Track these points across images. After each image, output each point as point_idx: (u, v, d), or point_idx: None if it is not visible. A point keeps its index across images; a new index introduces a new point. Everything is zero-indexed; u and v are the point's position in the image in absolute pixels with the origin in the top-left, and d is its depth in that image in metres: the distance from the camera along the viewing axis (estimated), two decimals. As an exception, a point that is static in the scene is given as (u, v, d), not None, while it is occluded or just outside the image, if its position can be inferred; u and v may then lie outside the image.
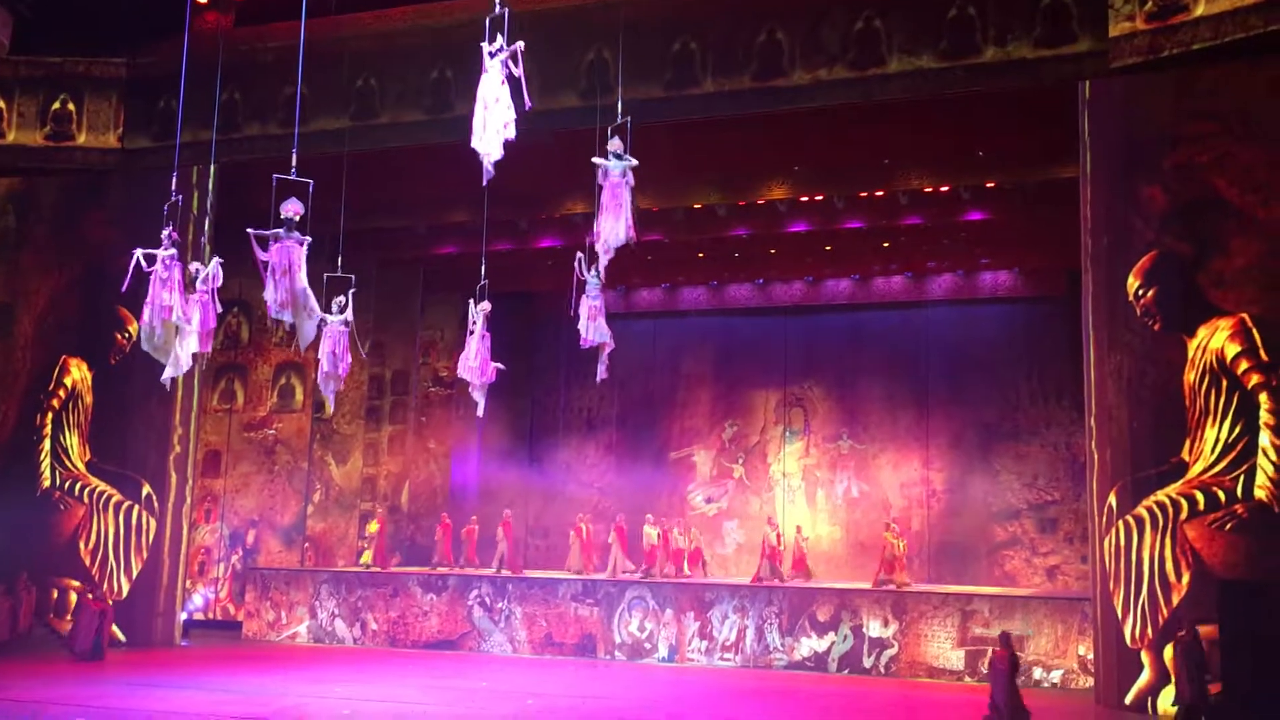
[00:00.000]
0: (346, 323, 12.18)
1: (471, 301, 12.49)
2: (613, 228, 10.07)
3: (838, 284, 22.52)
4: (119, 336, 17.95)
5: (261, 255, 10.56)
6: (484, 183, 9.31)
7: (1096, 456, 14.29)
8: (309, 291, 10.66)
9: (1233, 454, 13.22)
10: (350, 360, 12.26)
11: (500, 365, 12.40)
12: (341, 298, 12.22)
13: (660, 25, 15.79)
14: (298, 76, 13.82)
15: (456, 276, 23.13)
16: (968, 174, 17.22)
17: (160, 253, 11.28)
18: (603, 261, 10.55)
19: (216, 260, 11.78)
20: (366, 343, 21.36)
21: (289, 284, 10.54)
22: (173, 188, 12.19)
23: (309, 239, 10.74)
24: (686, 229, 19.80)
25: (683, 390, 23.81)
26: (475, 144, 9.28)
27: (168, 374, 11.43)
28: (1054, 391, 20.75)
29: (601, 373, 11.13)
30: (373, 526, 20.28)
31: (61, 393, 18.31)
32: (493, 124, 9.20)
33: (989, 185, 17.55)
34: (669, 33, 15.85)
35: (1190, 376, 13.53)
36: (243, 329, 20.94)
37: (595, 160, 10.39)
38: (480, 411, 12.40)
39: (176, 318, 11.15)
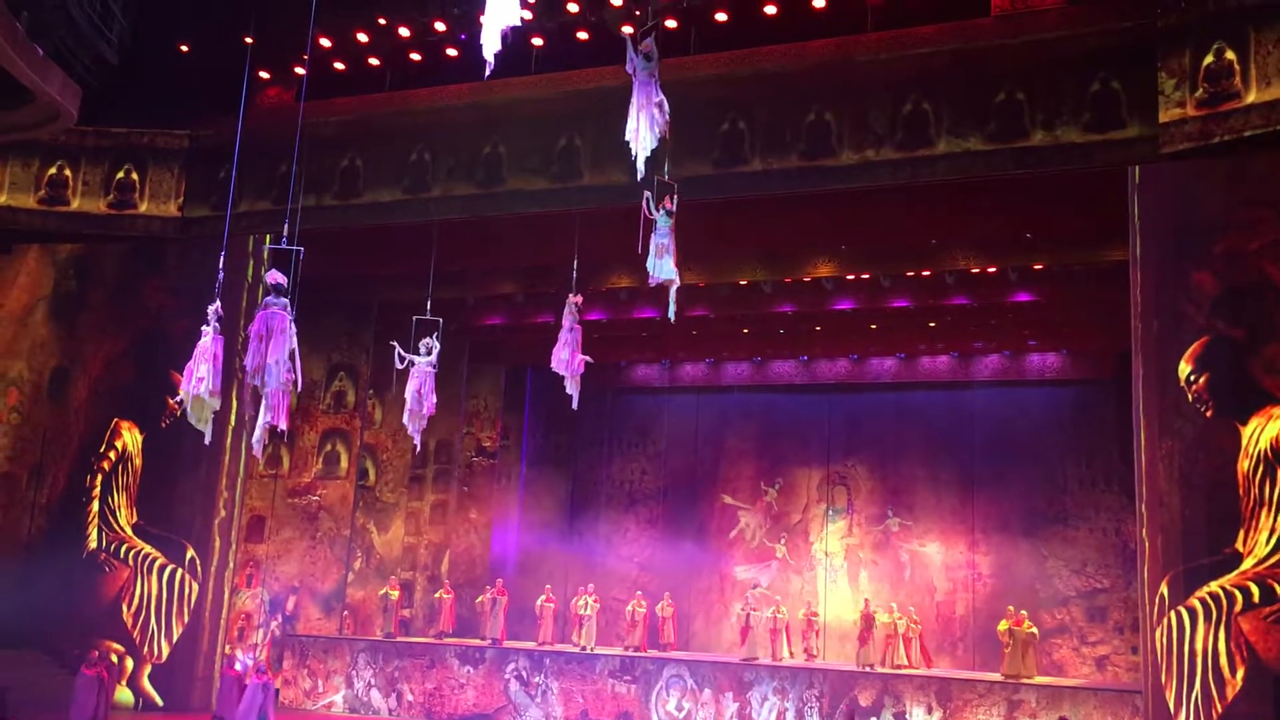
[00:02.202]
0: (433, 365, 12.61)
1: (570, 296, 12.67)
2: (645, 130, 10.08)
3: (883, 362, 22.43)
4: (170, 401, 18.20)
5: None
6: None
7: (1148, 544, 14.00)
8: (287, 362, 10.85)
9: (1289, 545, 12.92)
10: (435, 400, 12.68)
11: (588, 358, 12.41)
12: (429, 340, 12.64)
13: (710, 104, 16.00)
14: (293, 152, 14.01)
15: (501, 348, 23.39)
16: (1016, 255, 17.17)
17: (206, 328, 11.44)
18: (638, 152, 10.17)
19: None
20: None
21: (264, 350, 10.83)
22: (220, 265, 12.33)
23: (290, 313, 10.99)
24: (732, 305, 19.88)
25: (725, 465, 23.70)
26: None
27: (205, 429, 11.54)
28: (1103, 476, 20.42)
29: (671, 314, 10.98)
30: (393, 593, 20.20)
31: (112, 455, 18.58)
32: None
33: (1037, 267, 17.50)
34: (718, 111, 16.05)
35: (1244, 465, 13.27)
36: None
37: (628, 60, 10.33)
38: (574, 404, 12.53)
39: (205, 390, 11.27)
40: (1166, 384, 13.83)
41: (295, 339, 11.12)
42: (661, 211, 11.17)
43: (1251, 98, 13.37)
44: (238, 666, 18.66)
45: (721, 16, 15.94)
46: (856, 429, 22.75)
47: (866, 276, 18.46)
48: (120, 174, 18.87)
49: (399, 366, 12.44)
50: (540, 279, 19.37)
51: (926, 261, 17.67)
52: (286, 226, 12.03)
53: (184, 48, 17.79)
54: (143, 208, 18.89)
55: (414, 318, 13.13)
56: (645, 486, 24.33)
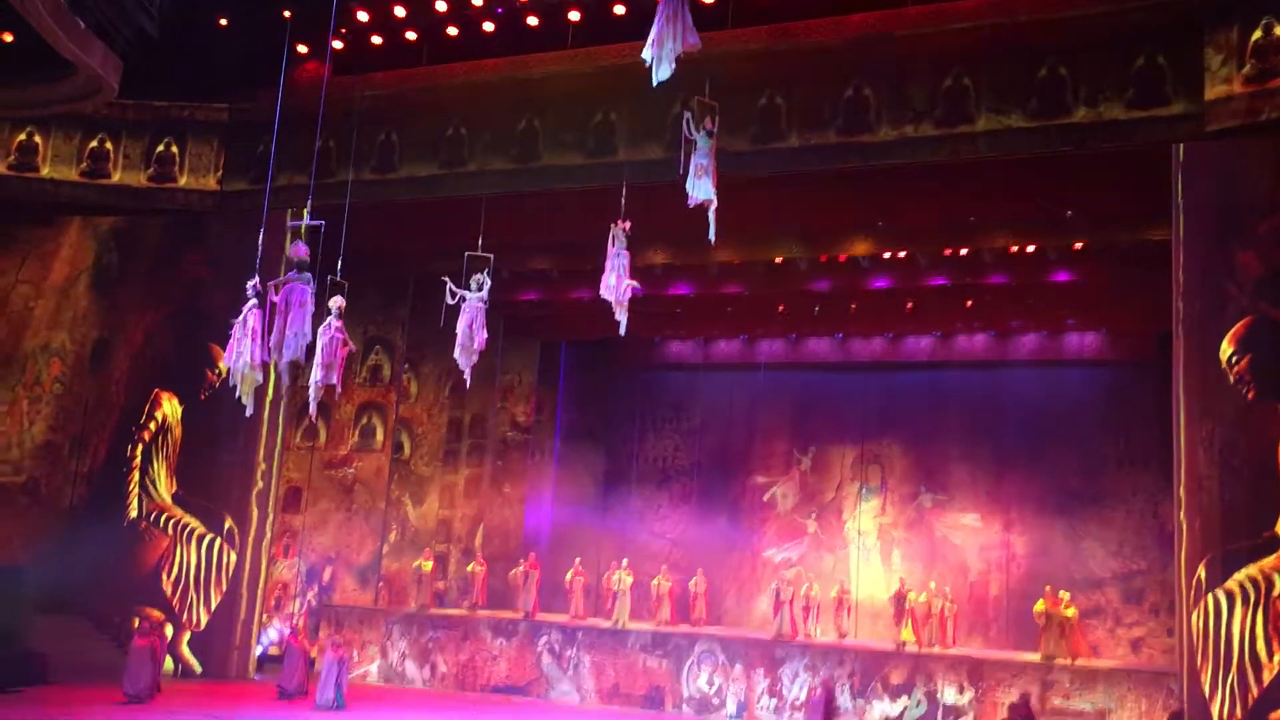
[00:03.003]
0: (484, 300, 12.66)
1: (614, 223, 12.49)
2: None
3: (918, 341, 22.30)
4: (210, 373, 18.42)
5: (272, 296, 11.26)
6: None
7: (1185, 526, 13.86)
8: (306, 333, 11.15)
9: (1330, 530, 12.76)
10: (486, 336, 12.69)
11: (636, 284, 12.26)
12: (479, 275, 12.70)
13: (747, 80, 15.86)
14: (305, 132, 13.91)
15: (536, 323, 23.43)
16: (1055, 234, 16.99)
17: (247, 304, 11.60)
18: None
19: (340, 298, 12.12)
20: (447, 385, 21.66)
21: (282, 325, 11.06)
22: (259, 240, 12.49)
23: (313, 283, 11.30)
24: (767, 282, 19.82)
25: (759, 442, 23.67)
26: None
27: (248, 403, 11.72)
28: (1140, 457, 20.20)
29: (711, 235, 10.97)
30: (426, 565, 20.35)
31: (152, 425, 18.83)
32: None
33: (1077, 246, 17.30)
34: (756, 87, 15.92)
35: (1286, 447, 13.11)
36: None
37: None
38: (622, 330, 12.25)
39: (245, 364, 11.40)
40: (1207, 365, 13.65)
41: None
42: (702, 132, 11.10)
43: (1300, 74, 13.13)
44: (271, 634, 18.91)
45: (760, -10, 15.77)
46: (891, 408, 22.64)
47: (903, 255, 18.32)
48: (160, 147, 19.05)
49: (450, 302, 12.45)
50: (576, 255, 19.34)
51: (964, 240, 17.52)
52: (310, 201, 12.18)
53: (223, 21, 17.84)
54: (182, 181, 19.06)
55: (465, 253, 13.14)
56: (678, 463, 24.35)
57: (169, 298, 19.14)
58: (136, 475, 18.77)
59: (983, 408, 21.74)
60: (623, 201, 12.85)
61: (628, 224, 12.47)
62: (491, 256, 13.11)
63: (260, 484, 18.46)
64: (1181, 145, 14.07)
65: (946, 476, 21.91)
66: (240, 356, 11.48)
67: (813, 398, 23.37)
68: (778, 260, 19.11)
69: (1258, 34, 13.39)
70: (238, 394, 11.68)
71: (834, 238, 18.24)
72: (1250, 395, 13.37)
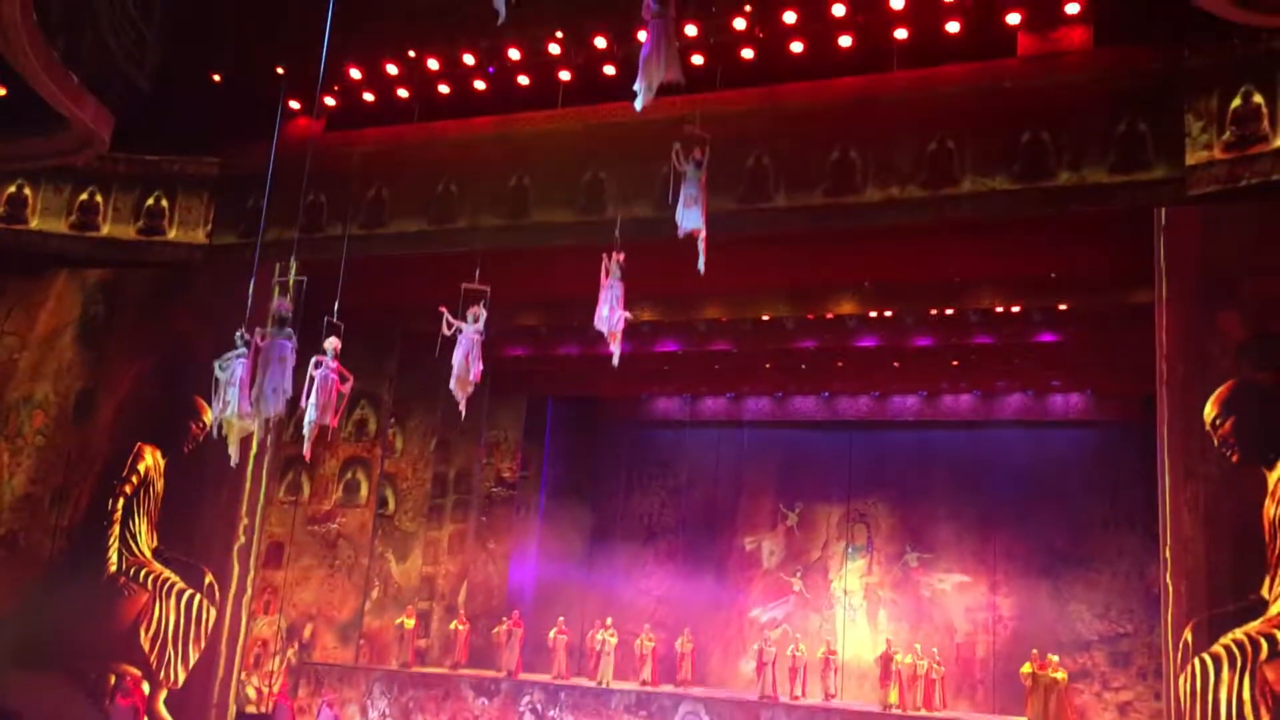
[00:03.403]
0: (480, 332, 12.70)
1: (605, 255, 12.40)
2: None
3: (904, 400, 22.36)
4: (194, 426, 18.30)
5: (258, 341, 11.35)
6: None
7: (1171, 589, 13.81)
8: (286, 389, 11.20)
9: (1315, 594, 12.74)
10: (482, 368, 12.72)
11: (629, 314, 12.18)
12: (476, 308, 12.76)
13: (735, 140, 15.97)
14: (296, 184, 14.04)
15: (523, 379, 23.43)
16: (1040, 295, 17.12)
17: (233, 355, 11.59)
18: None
19: (335, 339, 12.20)
20: (432, 441, 21.57)
21: (262, 380, 11.11)
22: (249, 292, 12.58)
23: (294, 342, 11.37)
24: (754, 340, 19.89)
25: (745, 500, 23.62)
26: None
27: (234, 453, 11.69)
28: (1127, 519, 20.22)
29: (701, 265, 11.01)
30: (409, 622, 20.14)
31: (134, 479, 18.67)
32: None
33: (1062, 307, 17.43)
34: (744, 148, 16.06)
35: (1270, 510, 13.11)
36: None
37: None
38: (615, 361, 12.20)
39: (231, 413, 11.43)
40: (1191, 427, 13.70)
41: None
42: (691, 163, 11.26)
43: (1279, 141, 13.33)
44: (250, 692, 18.62)
45: (748, 53, 16.00)
46: (877, 467, 22.65)
47: (890, 314, 18.43)
48: (150, 200, 19.10)
49: (446, 333, 12.54)
50: (564, 311, 19.43)
51: (950, 300, 17.63)
52: (294, 257, 12.30)
53: (216, 76, 17.99)
54: (171, 234, 19.10)
55: (462, 285, 13.33)
56: (664, 520, 24.26)
57: (155, 350, 19.06)
58: (117, 529, 18.57)
59: (969, 467, 21.77)
60: (616, 233, 12.82)
61: (622, 255, 12.51)
62: (488, 289, 13.21)
63: (242, 539, 18.27)
64: (1163, 209, 14.22)
65: (933, 536, 21.87)
66: (227, 406, 11.44)
67: (799, 456, 23.38)
68: (765, 318, 19.19)
69: (1237, 101, 13.62)
70: (228, 443, 11.59)
71: (821, 297, 18.34)
72: (1234, 458, 13.41)
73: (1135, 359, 16.32)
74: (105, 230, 19.06)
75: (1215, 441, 13.53)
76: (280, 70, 17.38)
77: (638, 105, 9.95)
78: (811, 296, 18.40)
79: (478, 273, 13.84)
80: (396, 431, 21.49)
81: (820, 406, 23.11)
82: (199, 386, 17.45)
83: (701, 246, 11.13)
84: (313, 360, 11.89)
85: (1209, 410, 13.58)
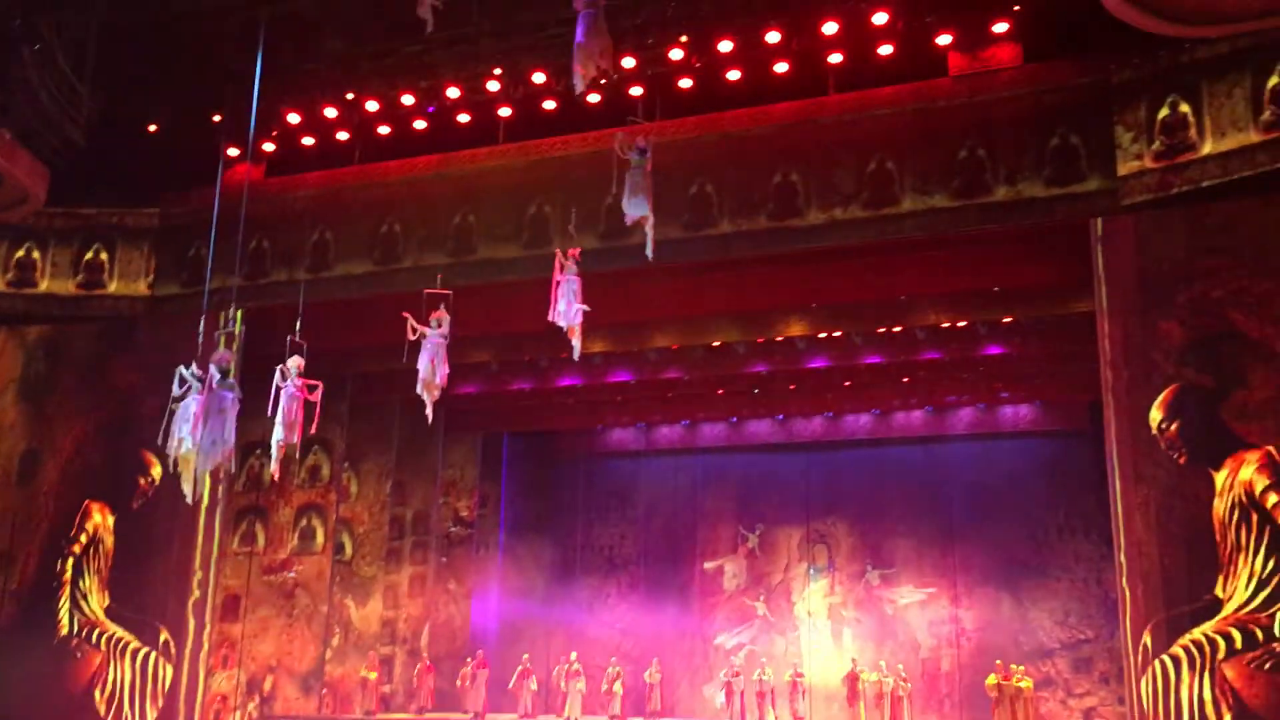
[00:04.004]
0: (445, 336, 12.82)
1: (558, 251, 12.50)
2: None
3: (858, 419, 22.52)
4: (142, 480, 17.99)
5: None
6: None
7: (1128, 593, 13.98)
8: (227, 441, 11.16)
9: (1268, 590, 12.92)
10: (448, 370, 12.86)
11: (586, 307, 12.15)
12: (439, 312, 12.91)
13: (678, 168, 16.08)
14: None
15: (477, 416, 23.31)
16: (984, 309, 17.33)
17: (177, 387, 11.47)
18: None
19: (298, 358, 12.36)
20: (387, 483, 21.37)
21: (204, 433, 11.06)
22: (198, 335, 12.51)
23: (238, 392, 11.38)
24: (706, 366, 19.94)
25: (705, 527, 23.63)
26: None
27: (188, 490, 11.55)
28: (1081, 526, 20.49)
29: (649, 252, 11.28)
30: (371, 675, 19.88)
31: (83, 538, 18.28)
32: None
33: (1006, 320, 17.67)
34: (687, 175, 16.17)
35: (1220, 510, 13.33)
36: (264, 471, 20.98)
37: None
38: (575, 355, 12.33)
39: (186, 450, 11.28)
40: (1138, 432, 13.91)
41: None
42: (634, 152, 11.55)
43: (1207, 149, 13.66)
44: None
45: (686, 83, 16.13)
46: (835, 486, 22.77)
47: (838, 334, 18.57)
48: (89, 254, 18.81)
49: (411, 338, 12.68)
50: (515, 346, 19.37)
51: (897, 317, 17.80)
52: (234, 306, 12.27)
53: (152, 127, 17.81)
54: (112, 287, 18.81)
55: (424, 290, 13.51)
56: (625, 551, 24.19)
57: (99, 406, 18.72)
58: (67, 590, 18.16)
59: (925, 482, 21.96)
60: (571, 228, 12.82)
61: (578, 251, 12.55)
62: (450, 293, 13.25)
63: (197, 593, 17.93)
64: (1099, 220, 14.51)
65: (892, 553, 22.00)
66: (181, 443, 11.28)
67: (756, 480, 23.45)
68: (716, 344, 19.26)
69: (1164, 111, 13.95)
70: (182, 480, 11.42)
71: (770, 320, 18.44)
72: (1182, 460, 13.62)
73: (1081, 368, 16.57)
74: (44, 286, 18.73)
75: (1163, 445, 13.75)
76: (217, 118, 17.24)
77: (577, 88, 10.48)
78: (761, 320, 18.49)
79: (439, 278, 13.87)
80: (351, 475, 21.28)
81: (775, 429, 23.20)
82: (146, 441, 17.20)
83: (649, 231, 11.45)
84: (276, 374, 12.09)
85: (1154, 414, 13.81)
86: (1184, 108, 13.85)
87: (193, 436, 11.19)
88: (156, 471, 17.62)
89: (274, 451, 12.02)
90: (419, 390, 12.89)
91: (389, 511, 21.63)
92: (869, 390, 21.16)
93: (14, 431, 19.00)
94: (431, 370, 12.72)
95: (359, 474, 21.31)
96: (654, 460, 24.27)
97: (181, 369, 11.59)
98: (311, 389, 12.21)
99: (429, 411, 12.98)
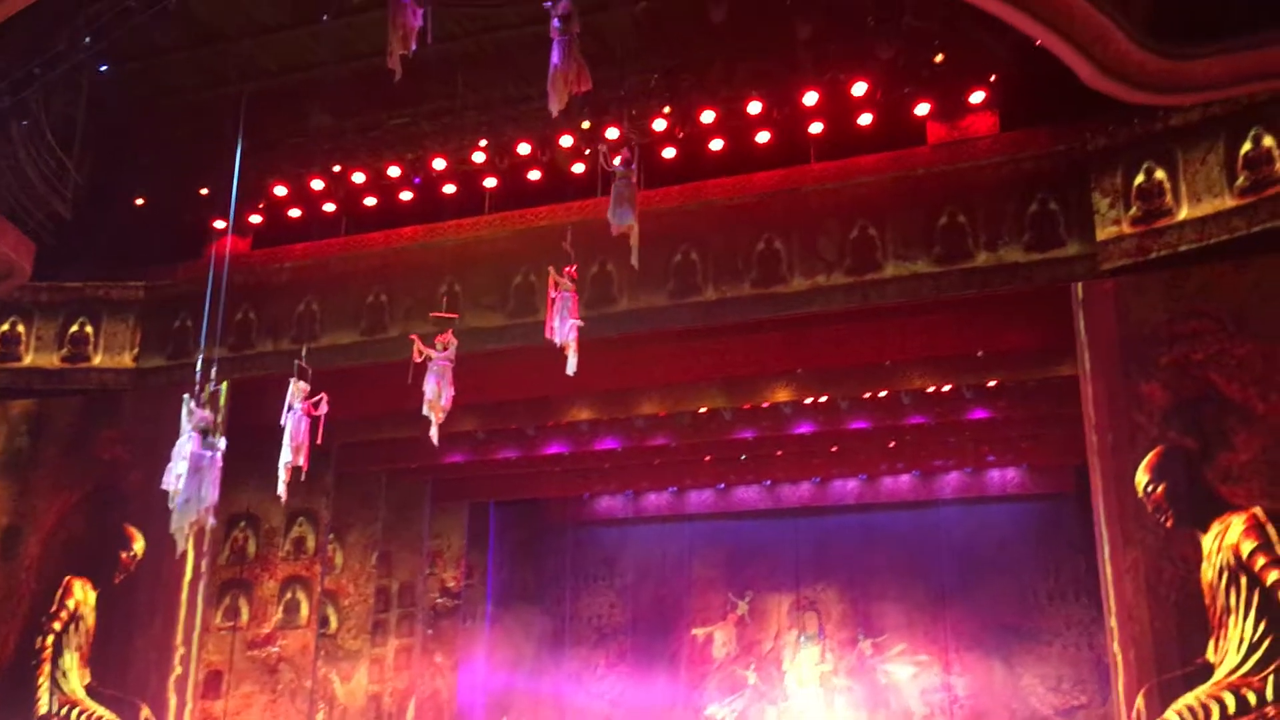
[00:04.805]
0: (450, 359, 12.98)
1: (551, 269, 12.60)
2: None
3: (846, 484, 22.49)
4: (124, 555, 17.78)
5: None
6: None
7: (1120, 657, 13.88)
8: (204, 500, 11.22)
9: (1259, 653, 12.84)
10: (453, 393, 13.02)
11: (580, 322, 12.25)
12: (445, 336, 13.10)
13: (662, 237, 16.20)
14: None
15: (463, 485, 23.21)
16: (969, 373, 17.41)
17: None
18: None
19: (302, 381, 12.83)
20: (373, 554, 21.20)
21: (184, 487, 11.15)
22: (197, 385, 12.53)
23: (219, 450, 11.54)
24: (693, 433, 19.92)
25: (693, 595, 23.45)
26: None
27: (179, 540, 11.58)
28: (1071, 590, 20.41)
29: (634, 260, 11.83)
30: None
31: (64, 614, 18.00)
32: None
33: (991, 384, 17.74)
34: (671, 243, 16.30)
35: (1208, 573, 13.29)
36: (250, 543, 20.77)
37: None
38: (570, 370, 12.15)
39: (173, 493, 11.35)
40: (1125, 495, 13.92)
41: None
42: (619, 163, 11.83)
43: (1183, 214, 13.83)
44: None
45: (669, 153, 16.35)
46: (823, 553, 22.68)
47: (825, 399, 18.61)
48: (75, 327, 18.72)
49: (416, 360, 12.93)
50: (502, 415, 19.36)
51: (882, 382, 17.86)
52: (215, 370, 12.44)
53: (139, 200, 17.92)
54: (97, 360, 18.73)
55: (431, 314, 14.03)
56: (614, 621, 23.97)
57: (82, 480, 18.56)
58: (46, 668, 17.84)
59: (914, 548, 21.89)
60: (569, 245, 12.95)
61: (574, 268, 12.64)
62: (456, 316, 13.75)
63: (178, 669, 17.66)
64: (1079, 284, 14.65)
65: (883, 619, 21.85)
66: (177, 477, 11.32)
67: (745, 546, 23.35)
68: (702, 411, 19.27)
69: (1140, 178, 14.14)
70: (175, 529, 11.40)
71: (755, 386, 18.48)
72: (1169, 523, 13.61)
73: (1066, 431, 16.61)
74: (28, 360, 18.63)
75: (1150, 508, 13.73)
76: (204, 191, 17.37)
77: (553, 112, 10.85)
78: (747, 386, 18.52)
79: (444, 301, 14.44)
80: (336, 547, 21.08)
81: (763, 495, 23.15)
82: (129, 514, 17.12)
83: (634, 241, 11.73)
84: (287, 402, 12.53)
85: (1140, 477, 13.82)
86: (1159, 174, 14.05)
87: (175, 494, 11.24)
88: (139, 545, 17.46)
89: (281, 474, 12.31)
90: (424, 411, 13.08)
91: (375, 583, 21.40)
92: (856, 455, 21.17)
93: (-4, 507, 18.82)
94: (437, 393, 12.91)
95: (344, 545, 21.12)
96: (642, 528, 24.16)
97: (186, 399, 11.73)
98: (316, 404, 12.61)
99: (434, 434, 13.14)
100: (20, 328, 18.67)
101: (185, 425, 11.55)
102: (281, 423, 12.72)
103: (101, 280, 18.88)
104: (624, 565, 24.12)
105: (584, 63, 10.90)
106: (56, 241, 16.69)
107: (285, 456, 12.39)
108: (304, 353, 13.86)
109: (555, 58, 10.86)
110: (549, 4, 11.23)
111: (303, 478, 13.41)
